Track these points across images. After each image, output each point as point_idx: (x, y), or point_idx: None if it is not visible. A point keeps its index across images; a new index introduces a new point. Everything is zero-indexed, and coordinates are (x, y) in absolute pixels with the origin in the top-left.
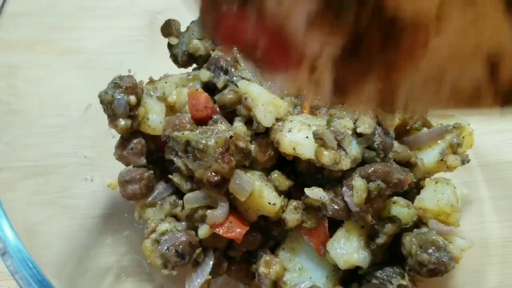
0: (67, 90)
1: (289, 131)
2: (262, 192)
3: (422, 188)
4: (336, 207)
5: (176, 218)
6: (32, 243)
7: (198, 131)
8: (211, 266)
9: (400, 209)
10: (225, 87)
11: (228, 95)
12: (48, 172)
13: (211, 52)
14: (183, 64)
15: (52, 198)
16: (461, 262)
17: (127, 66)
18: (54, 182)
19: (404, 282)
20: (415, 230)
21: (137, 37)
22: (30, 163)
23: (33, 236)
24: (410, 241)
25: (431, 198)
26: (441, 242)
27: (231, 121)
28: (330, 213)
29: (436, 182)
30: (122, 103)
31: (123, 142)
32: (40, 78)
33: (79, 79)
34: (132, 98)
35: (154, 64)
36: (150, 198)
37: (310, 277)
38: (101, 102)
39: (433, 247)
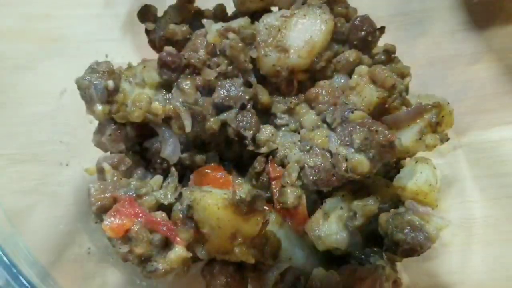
0: (48, 78)
1: None
2: None
3: (402, 168)
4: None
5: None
6: (12, 230)
7: None
8: None
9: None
10: None
11: None
12: (29, 160)
13: (188, 36)
14: (161, 49)
15: (34, 186)
16: (444, 241)
17: (106, 53)
18: (35, 169)
19: (382, 262)
20: (392, 210)
21: (116, 24)
22: (12, 151)
23: (14, 222)
24: (386, 221)
25: (409, 177)
26: (417, 222)
27: None
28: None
29: (416, 162)
30: (99, 88)
31: (101, 128)
32: (20, 68)
33: (59, 67)
34: (110, 83)
35: (133, 51)
36: None
37: (290, 258)
38: (79, 87)
39: (409, 227)
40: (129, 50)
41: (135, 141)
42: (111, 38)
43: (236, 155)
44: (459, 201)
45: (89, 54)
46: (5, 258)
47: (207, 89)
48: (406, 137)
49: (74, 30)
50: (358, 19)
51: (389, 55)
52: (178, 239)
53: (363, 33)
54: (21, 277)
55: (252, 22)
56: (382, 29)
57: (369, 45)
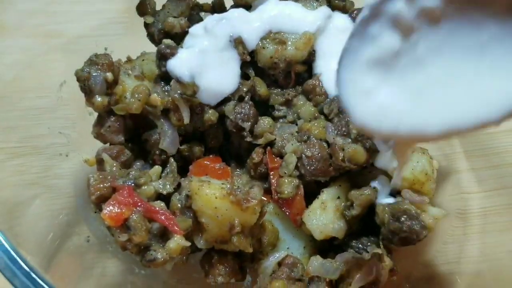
0: (47, 73)
1: None
2: None
3: None
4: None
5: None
6: (13, 222)
7: None
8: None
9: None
10: None
11: None
12: (29, 153)
13: (186, 29)
14: (160, 42)
15: (34, 178)
16: (441, 232)
17: (106, 47)
18: (35, 162)
19: (379, 251)
20: (389, 199)
21: (117, 19)
22: (12, 144)
23: (15, 215)
24: (383, 211)
25: (406, 166)
26: (413, 211)
27: None
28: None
29: (412, 151)
30: (98, 80)
31: (100, 120)
32: (19, 63)
33: (59, 62)
34: (109, 75)
35: (133, 45)
36: None
37: (288, 247)
38: (78, 79)
39: (405, 216)
40: (131, 46)
41: (134, 133)
42: (114, 33)
43: (234, 146)
44: (456, 192)
45: (88, 49)
46: (4, 243)
47: None
48: None
49: (75, 25)
50: (355, 11)
51: None
52: (176, 228)
53: None
54: (20, 260)
55: None
56: None
57: None
